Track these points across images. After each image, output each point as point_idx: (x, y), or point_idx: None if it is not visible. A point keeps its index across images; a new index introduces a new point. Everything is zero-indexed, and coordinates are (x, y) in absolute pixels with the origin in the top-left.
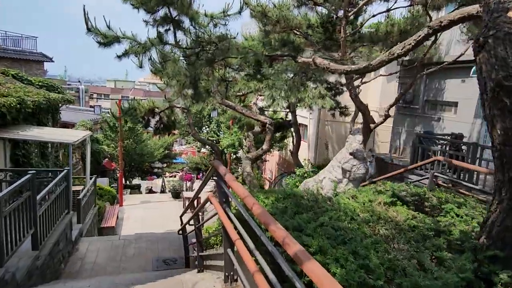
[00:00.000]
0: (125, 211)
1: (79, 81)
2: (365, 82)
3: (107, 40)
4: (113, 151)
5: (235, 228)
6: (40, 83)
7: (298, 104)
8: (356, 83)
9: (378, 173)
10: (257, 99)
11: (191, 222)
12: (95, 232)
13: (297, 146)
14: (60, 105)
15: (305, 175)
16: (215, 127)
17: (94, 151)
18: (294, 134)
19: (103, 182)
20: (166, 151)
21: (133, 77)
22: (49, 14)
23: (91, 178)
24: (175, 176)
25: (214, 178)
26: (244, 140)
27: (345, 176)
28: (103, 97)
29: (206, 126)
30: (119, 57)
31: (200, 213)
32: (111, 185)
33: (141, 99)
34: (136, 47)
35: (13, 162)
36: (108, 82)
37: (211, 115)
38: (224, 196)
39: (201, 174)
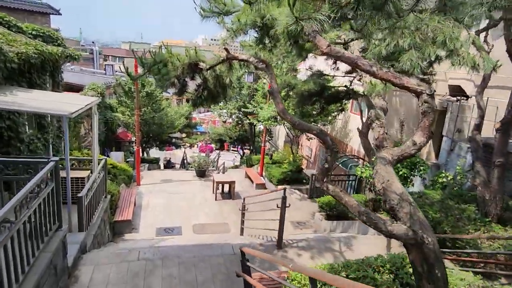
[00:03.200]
0: (143, 195)
1: (93, 42)
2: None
3: None
4: (128, 119)
5: None
6: (34, 32)
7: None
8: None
9: (488, 166)
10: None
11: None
12: (106, 232)
13: (367, 125)
14: (61, 62)
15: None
16: (245, 95)
17: (108, 119)
18: (363, 107)
19: (117, 157)
20: (187, 120)
21: (148, 39)
22: None
23: (100, 161)
24: (192, 146)
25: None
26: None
27: None
28: (118, 60)
29: (235, 95)
30: None
31: (240, 208)
32: (127, 160)
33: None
34: None
35: None
36: (123, 44)
37: (241, 81)
38: None
39: (234, 147)
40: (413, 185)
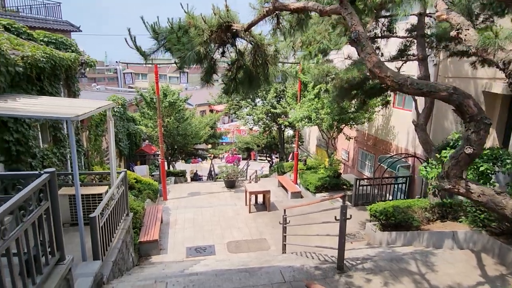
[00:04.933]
0: (170, 210)
1: (116, 62)
2: None
3: None
4: (152, 131)
5: None
6: (46, 39)
7: None
8: None
9: None
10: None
11: None
12: (129, 255)
13: (426, 115)
14: (75, 68)
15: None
16: (273, 97)
17: (131, 132)
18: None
19: (142, 171)
20: (212, 130)
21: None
22: (87, 6)
23: (118, 174)
24: (218, 157)
25: None
26: (320, 111)
27: None
28: (140, 78)
29: (263, 98)
30: None
31: (281, 222)
32: (152, 174)
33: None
34: None
35: (2, 153)
36: None
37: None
38: None
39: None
40: (494, 184)
